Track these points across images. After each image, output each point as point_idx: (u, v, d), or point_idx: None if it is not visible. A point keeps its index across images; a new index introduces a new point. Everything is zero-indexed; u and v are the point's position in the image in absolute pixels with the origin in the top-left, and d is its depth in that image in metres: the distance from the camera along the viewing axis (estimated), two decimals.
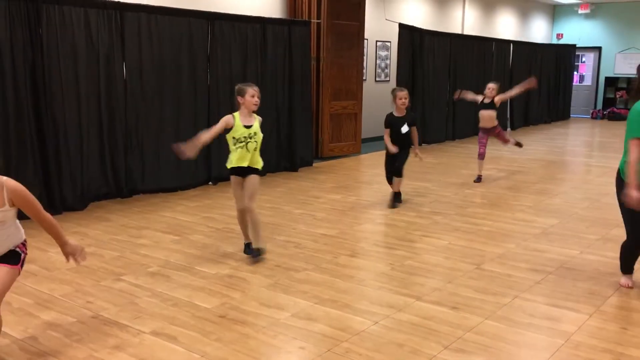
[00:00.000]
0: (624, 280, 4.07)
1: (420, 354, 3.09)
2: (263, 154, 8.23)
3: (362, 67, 10.14)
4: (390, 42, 12.06)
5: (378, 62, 11.93)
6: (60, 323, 3.39)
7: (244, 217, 4.59)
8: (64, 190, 5.90)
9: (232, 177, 4.56)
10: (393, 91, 6.32)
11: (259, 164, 4.59)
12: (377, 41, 11.70)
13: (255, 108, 4.52)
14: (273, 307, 3.67)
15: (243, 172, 4.51)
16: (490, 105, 7.64)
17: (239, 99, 4.49)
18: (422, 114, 11.46)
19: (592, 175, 8.46)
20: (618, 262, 4.11)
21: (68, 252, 3.01)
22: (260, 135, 4.54)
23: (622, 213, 3.86)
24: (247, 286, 4.00)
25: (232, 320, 3.46)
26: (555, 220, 5.85)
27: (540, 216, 6.00)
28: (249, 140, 4.44)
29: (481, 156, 7.73)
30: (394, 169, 6.31)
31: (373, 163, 9.05)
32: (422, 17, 12.86)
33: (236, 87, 4.58)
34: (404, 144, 6.24)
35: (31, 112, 5.60)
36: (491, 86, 7.67)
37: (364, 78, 10.87)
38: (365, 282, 4.12)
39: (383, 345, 3.18)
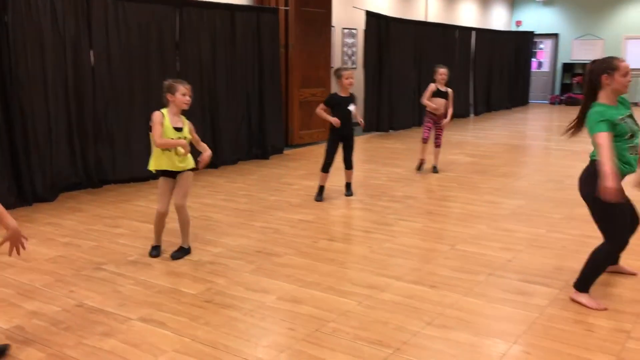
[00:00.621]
0: (591, 301, 3.48)
1: (404, 330, 3.20)
2: (234, 141, 8.27)
3: (330, 54, 10.18)
4: (356, 29, 12.13)
5: (345, 49, 11.99)
6: (44, 312, 3.38)
7: (163, 220, 4.31)
8: (34, 181, 5.80)
9: (161, 179, 4.27)
10: (338, 71, 6.03)
11: (191, 163, 4.29)
12: (343, 29, 11.76)
13: (186, 107, 4.18)
14: (258, 291, 3.73)
15: (173, 172, 4.25)
16: (445, 94, 7.36)
17: (169, 96, 4.14)
18: (389, 101, 11.62)
19: (553, 158, 8.75)
20: (582, 239, 4.24)
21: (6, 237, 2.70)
22: (189, 138, 4.24)
23: (595, 215, 3.46)
24: (230, 272, 4.05)
25: (218, 305, 3.50)
26: (522, 201, 6.05)
27: (507, 198, 6.20)
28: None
29: (426, 140, 7.44)
30: (347, 163, 6.18)
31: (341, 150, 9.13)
32: (387, 5, 12.96)
33: (166, 83, 4.20)
34: (349, 129, 6.05)
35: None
36: (443, 71, 7.31)
37: (332, 65, 10.92)
38: (346, 265, 4.21)
39: (368, 323, 3.28)
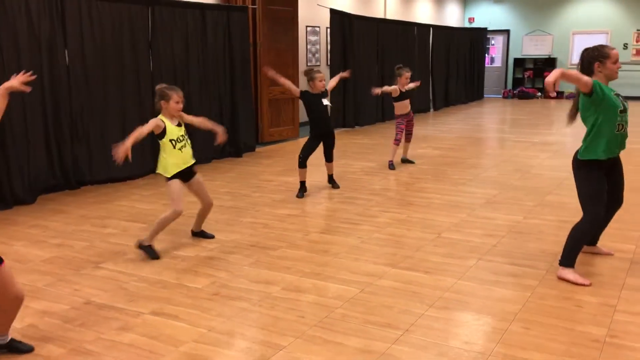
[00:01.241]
0: (577, 277, 3.74)
1: (409, 313, 3.37)
2: (209, 140, 8.27)
3: (298, 52, 10.29)
4: (319, 27, 12.28)
5: (309, 47, 12.12)
6: (54, 311, 3.39)
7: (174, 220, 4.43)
8: (12, 183, 5.70)
9: (176, 181, 4.37)
10: (311, 72, 6.16)
11: (193, 158, 4.53)
12: (307, 26, 11.88)
13: (178, 115, 4.37)
14: (262, 282, 3.83)
15: (185, 174, 4.44)
16: (410, 94, 7.61)
17: (163, 103, 4.29)
18: (353, 97, 11.82)
19: (517, 149, 9.12)
20: (558, 224, 4.52)
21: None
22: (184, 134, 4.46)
23: (577, 187, 3.88)
24: (230, 266, 4.13)
25: (226, 297, 3.59)
26: (495, 190, 6.33)
27: (481, 188, 6.47)
28: (185, 137, 4.39)
29: (399, 142, 7.62)
30: (328, 157, 6.33)
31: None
32: (347, 3, 13.16)
33: (158, 90, 4.34)
34: (328, 126, 6.24)
35: None
36: (408, 75, 7.50)
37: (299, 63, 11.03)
38: (341, 255, 4.35)
39: (374, 308, 3.43)
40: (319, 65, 12.40)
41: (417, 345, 2.99)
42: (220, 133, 4.57)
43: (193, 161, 4.51)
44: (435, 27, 15.33)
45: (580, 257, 3.99)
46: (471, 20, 19.85)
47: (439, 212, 5.49)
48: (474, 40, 17.42)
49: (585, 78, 3.50)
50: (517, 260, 4.20)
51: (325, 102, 6.17)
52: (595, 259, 4.20)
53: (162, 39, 7.29)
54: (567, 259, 3.81)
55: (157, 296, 3.60)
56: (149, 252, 4.28)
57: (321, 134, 6.20)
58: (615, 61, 3.63)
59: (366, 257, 4.32)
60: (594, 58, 3.64)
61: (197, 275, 3.96)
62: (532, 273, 3.95)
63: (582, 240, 3.82)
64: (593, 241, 4.25)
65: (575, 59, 17.95)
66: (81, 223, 5.19)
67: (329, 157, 6.38)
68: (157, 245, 4.43)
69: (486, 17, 19.38)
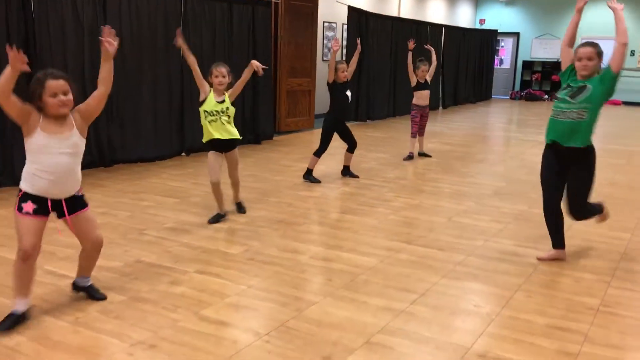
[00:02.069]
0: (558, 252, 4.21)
1: (425, 281, 3.78)
2: None
3: (316, 46, 10.69)
4: (336, 23, 12.68)
5: (325, 42, 12.52)
6: (111, 267, 3.82)
7: (219, 189, 4.86)
8: None
9: (212, 152, 4.82)
10: (336, 64, 6.45)
11: (236, 134, 4.92)
12: (324, 22, 12.28)
13: (220, 88, 4.76)
14: (291, 251, 4.25)
15: (222, 145, 4.86)
16: (429, 86, 8.08)
17: (209, 78, 4.80)
18: (367, 92, 12.22)
19: (523, 147, 9.52)
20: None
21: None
22: (232, 109, 4.86)
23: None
24: (261, 237, 4.55)
25: (261, 262, 4.01)
26: (503, 183, 6.74)
27: (488, 180, 6.88)
28: (221, 114, 4.77)
29: (415, 134, 8.05)
30: (351, 145, 6.69)
31: None
32: (364, 0, 13.54)
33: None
34: (347, 115, 6.64)
35: (24, 82, 5.77)
36: (424, 68, 7.98)
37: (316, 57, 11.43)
38: (361, 232, 4.77)
39: (393, 276, 3.85)
40: None
41: (432, 306, 3.41)
42: (254, 67, 4.82)
43: (229, 136, 4.85)
44: (447, 27, 15.71)
45: (579, 242, 4.41)
46: (482, 21, 20.22)
47: (449, 200, 5.90)
48: (484, 41, 17.80)
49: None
50: (521, 242, 4.61)
51: (349, 93, 6.57)
52: (595, 244, 4.61)
53: (192, 29, 7.70)
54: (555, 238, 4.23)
55: (199, 259, 4.03)
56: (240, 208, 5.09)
57: (337, 122, 6.57)
58: (579, 59, 3.89)
59: (383, 234, 4.73)
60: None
61: (232, 243, 4.38)
62: (535, 253, 4.35)
63: (546, 222, 4.24)
64: (561, 243, 4.26)
65: None
66: (120, 196, 5.62)
67: (352, 147, 6.73)
68: (193, 218, 4.87)
69: (497, 19, 19.75)
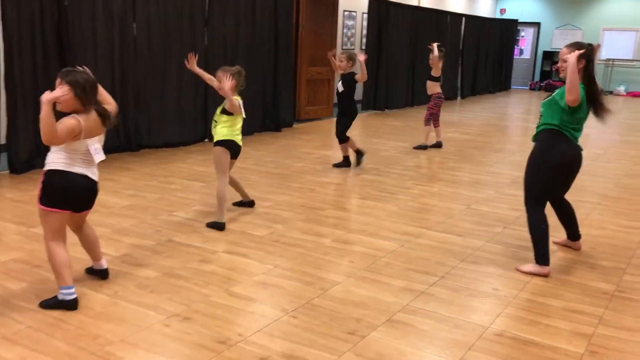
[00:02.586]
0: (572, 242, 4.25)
1: (444, 264, 3.92)
2: (251, 113, 8.81)
3: (336, 36, 10.79)
4: (356, 12, 12.74)
5: (345, 31, 12.60)
6: (143, 245, 4.00)
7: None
8: None
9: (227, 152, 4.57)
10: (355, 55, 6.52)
11: (216, 136, 4.63)
12: (344, 11, 12.34)
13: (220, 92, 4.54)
14: (313, 234, 4.41)
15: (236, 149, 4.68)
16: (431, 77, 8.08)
17: None
18: (385, 81, 12.30)
19: None
20: (576, 203, 4.79)
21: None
22: (218, 115, 4.62)
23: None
24: (285, 220, 4.71)
25: (285, 244, 4.17)
26: (520, 172, 6.73)
27: (507, 170, 6.97)
28: (216, 121, 4.62)
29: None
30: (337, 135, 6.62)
31: None
32: None
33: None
34: (340, 104, 6.61)
35: (57, 69, 5.97)
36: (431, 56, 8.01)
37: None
38: (381, 218, 4.91)
39: (413, 259, 3.99)
40: (353, 49, 12.88)
41: (452, 288, 3.54)
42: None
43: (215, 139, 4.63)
44: (467, 16, 15.68)
45: (596, 231, 4.51)
46: (502, 11, 20.10)
47: (468, 188, 6.01)
48: (505, 31, 17.71)
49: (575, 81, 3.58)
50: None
51: (339, 85, 6.54)
52: (611, 232, 4.71)
53: (216, 18, 7.84)
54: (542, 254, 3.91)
55: (226, 239, 4.20)
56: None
57: (338, 112, 6.67)
58: (559, 60, 3.76)
59: (404, 220, 4.87)
60: None
61: (258, 226, 4.54)
62: (551, 241, 4.46)
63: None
64: (573, 235, 4.33)
65: (605, 54, 18.22)
66: (148, 179, 5.80)
67: (339, 139, 6.66)
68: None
69: (518, 9, 19.62)
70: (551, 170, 3.86)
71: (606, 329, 3.11)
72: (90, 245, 3.38)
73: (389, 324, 3.06)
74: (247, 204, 5.01)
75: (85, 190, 3.15)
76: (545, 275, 3.77)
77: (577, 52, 3.57)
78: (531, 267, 3.84)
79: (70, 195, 3.06)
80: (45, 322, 2.91)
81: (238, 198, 5.03)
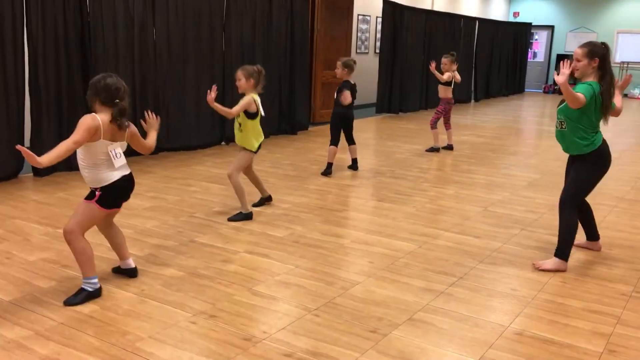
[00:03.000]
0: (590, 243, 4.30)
1: (462, 265, 3.97)
2: (267, 116, 8.90)
3: (351, 39, 10.87)
4: (370, 16, 12.82)
5: (359, 34, 12.68)
6: (167, 246, 4.09)
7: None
8: None
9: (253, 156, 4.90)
10: (353, 62, 6.48)
11: (241, 141, 4.88)
12: (358, 15, 12.43)
13: (240, 91, 4.79)
14: (333, 235, 4.47)
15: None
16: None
17: None
18: (400, 85, 12.35)
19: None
20: (593, 205, 4.80)
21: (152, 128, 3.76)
22: (242, 117, 4.76)
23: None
24: (304, 222, 4.78)
25: (305, 245, 4.24)
26: (537, 175, 6.85)
27: (523, 172, 7.00)
28: (238, 123, 4.81)
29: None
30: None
31: (361, 128, 9.86)
32: None
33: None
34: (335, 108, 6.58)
35: (80, 73, 6.12)
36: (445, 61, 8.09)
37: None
38: (399, 220, 4.96)
39: (432, 260, 4.04)
40: (367, 53, 12.96)
41: (470, 288, 3.59)
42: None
43: (236, 139, 4.92)
44: (480, 20, 15.70)
45: (613, 233, 4.54)
46: (516, 14, 20.09)
47: (484, 190, 6.05)
48: (518, 34, 17.71)
49: (573, 95, 3.66)
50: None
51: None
52: (628, 235, 4.73)
53: (234, 22, 7.95)
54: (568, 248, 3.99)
55: (247, 240, 4.28)
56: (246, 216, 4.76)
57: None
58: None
59: (421, 222, 4.92)
60: None
61: (277, 227, 4.62)
62: None
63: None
64: (592, 235, 4.38)
65: (619, 58, 18.13)
66: (168, 182, 5.90)
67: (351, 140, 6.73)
68: (239, 203, 5.11)
69: (531, 12, 19.61)
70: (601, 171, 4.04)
71: (625, 328, 3.14)
72: (117, 245, 3.48)
73: (409, 322, 3.11)
74: (266, 199, 5.18)
75: (123, 187, 3.31)
76: (564, 270, 3.87)
77: (566, 74, 3.60)
78: (552, 263, 3.92)
79: (120, 193, 3.29)
80: (76, 319, 3.00)
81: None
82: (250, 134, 4.87)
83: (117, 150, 3.25)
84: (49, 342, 2.77)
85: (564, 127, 3.99)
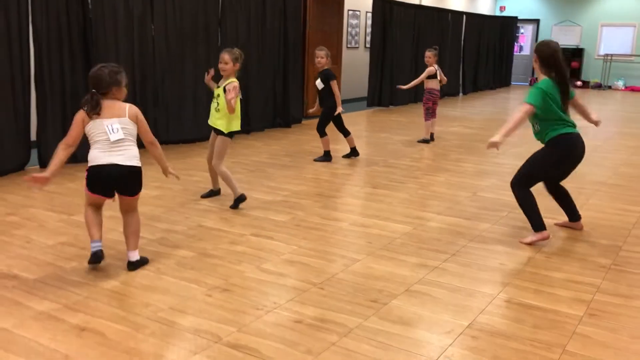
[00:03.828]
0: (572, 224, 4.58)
1: (454, 244, 4.25)
2: (263, 110, 9.14)
3: (342, 34, 11.11)
4: (359, 11, 13.07)
5: (349, 29, 12.93)
6: (176, 230, 4.33)
7: (209, 167, 5.16)
8: None
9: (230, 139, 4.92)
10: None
11: (220, 125, 4.85)
12: (349, 10, 12.68)
13: (223, 74, 4.81)
14: (332, 219, 4.74)
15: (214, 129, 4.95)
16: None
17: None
18: (390, 78, 12.63)
19: None
20: (578, 190, 5.22)
21: (169, 172, 3.99)
22: (222, 101, 4.74)
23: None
24: (303, 207, 5.04)
25: (307, 228, 4.50)
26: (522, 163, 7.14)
27: (510, 160, 7.30)
28: (216, 100, 4.84)
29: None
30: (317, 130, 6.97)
31: (352, 121, 10.13)
32: None
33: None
34: (321, 102, 6.95)
35: (83, 68, 6.32)
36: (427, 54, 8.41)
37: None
38: (394, 204, 5.24)
39: (426, 240, 4.32)
40: (357, 48, 13.22)
41: (462, 264, 3.87)
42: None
43: (212, 123, 4.96)
44: (467, 14, 16.01)
45: (595, 214, 4.85)
46: (502, 9, 20.43)
47: (473, 177, 6.34)
48: (504, 28, 18.05)
49: (520, 118, 4.08)
50: (542, 213, 5.03)
51: (318, 82, 6.83)
52: (609, 215, 5.04)
53: (229, 18, 8.17)
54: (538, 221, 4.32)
55: (252, 224, 4.53)
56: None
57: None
58: None
59: (414, 206, 5.20)
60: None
61: (279, 212, 4.87)
62: (553, 223, 4.80)
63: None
64: (572, 217, 4.66)
65: (603, 50, 18.55)
66: None
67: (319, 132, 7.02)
68: (244, 191, 5.37)
69: (517, 6, 19.95)
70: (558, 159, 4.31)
71: (603, 295, 3.43)
72: (125, 235, 3.65)
73: (407, 293, 3.39)
74: (215, 192, 5.26)
75: (93, 176, 3.49)
76: (546, 238, 4.25)
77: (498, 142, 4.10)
78: (532, 236, 4.26)
79: (92, 180, 3.50)
80: (100, 293, 3.24)
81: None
82: (230, 116, 4.83)
83: (115, 125, 3.50)
84: (77, 313, 3.01)
85: (536, 128, 4.33)
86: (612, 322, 3.11)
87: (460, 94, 15.99)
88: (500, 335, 2.93)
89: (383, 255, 3.99)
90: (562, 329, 3.02)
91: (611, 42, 18.49)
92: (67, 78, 6.25)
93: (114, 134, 3.47)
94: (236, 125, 4.95)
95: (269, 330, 2.91)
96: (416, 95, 13.74)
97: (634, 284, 3.63)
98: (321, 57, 6.77)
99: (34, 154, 6.29)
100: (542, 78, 4.20)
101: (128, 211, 3.65)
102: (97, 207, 3.61)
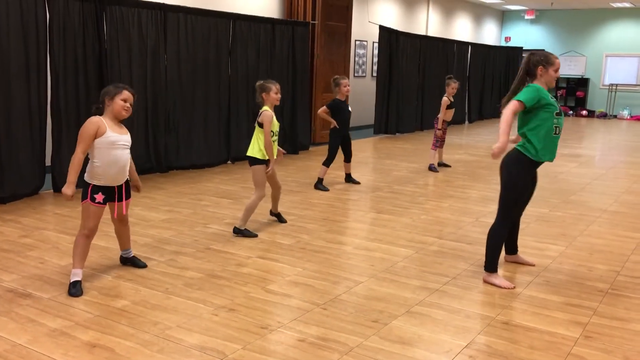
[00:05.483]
0: (502, 281, 3.99)
1: (455, 268, 4.35)
2: None
3: (349, 64, 11.36)
4: (366, 41, 13.36)
5: (357, 59, 13.20)
6: (185, 252, 4.47)
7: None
8: None
9: (263, 166, 5.01)
10: (337, 79, 6.88)
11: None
12: (356, 40, 12.96)
13: (277, 103, 5.00)
14: (337, 243, 4.86)
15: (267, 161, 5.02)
16: (455, 104, 8.53)
17: (264, 95, 4.90)
18: (396, 106, 12.83)
19: None
20: (578, 216, 5.34)
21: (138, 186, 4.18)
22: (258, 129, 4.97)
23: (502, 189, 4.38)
24: (309, 231, 5.16)
25: (311, 251, 4.62)
26: None
27: None
28: (277, 133, 5.04)
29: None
30: (348, 157, 7.18)
31: (359, 148, 10.31)
32: (393, 19, 14.22)
33: (259, 85, 4.95)
34: (349, 129, 7.15)
35: (98, 97, 6.53)
36: (454, 85, 8.36)
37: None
38: (397, 229, 5.35)
39: (428, 264, 4.42)
40: (364, 77, 13.48)
41: (462, 287, 3.97)
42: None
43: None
44: (473, 44, 16.28)
45: (595, 240, 4.93)
46: (507, 39, 20.72)
47: (477, 203, 6.45)
48: (510, 58, 18.29)
49: (510, 115, 3.88)
50: (542, 238, 5.15)
51: (350, 109, 7.11)
52: (608, 241, 5.12)
53: (239, 48, 8.43)
54: (491, 265, 4.06)
55: (258, 247, 4.66)
56: (247, 234, 4.94)
57: (343, 135, 7.10)
58: (556, 70, 3.87)
59: (417, 231, 5.31)
60: (539, 62, 3.86)
61: (284, 236, 5.00)
62: (554, 248, 4.89)
63: (499, 245, 4.11)
64: (513, 249, 4.51)
65: (608, 80, 18.73)
66: (180, 197, 6.30)
67: (349, 157, 7.26)
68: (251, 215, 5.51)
69: (522, 36, 20.24)
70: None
71: (600, 318, 3.52)
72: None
73: (408, 314, 3.49)
74: (275, 215, 5.48)
75: None
76: (512, 288, 3.94)
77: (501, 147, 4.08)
78: (497, 280, 4.02)
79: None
80: (110, 312, 3.37)
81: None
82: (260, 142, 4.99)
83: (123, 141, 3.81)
84: (88, 330, 3.13)
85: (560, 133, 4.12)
86: (607, 344, 3.19)
87: (466, 122, 16.16)
88: (497, 356, 3.02)
89: (385, 277, 4.10)
90: (557, 350, 3.10)
91: (616, 72, 18.68)
92: (82, 106, 6.47)
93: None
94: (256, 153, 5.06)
95: (272, 348, 3.01)
96: (422, 122, 13.95)
97: (630, 307, 3.71)
98: (345, 84, 6.91)
99: (48, 178, 6.47)
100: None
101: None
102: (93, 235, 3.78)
